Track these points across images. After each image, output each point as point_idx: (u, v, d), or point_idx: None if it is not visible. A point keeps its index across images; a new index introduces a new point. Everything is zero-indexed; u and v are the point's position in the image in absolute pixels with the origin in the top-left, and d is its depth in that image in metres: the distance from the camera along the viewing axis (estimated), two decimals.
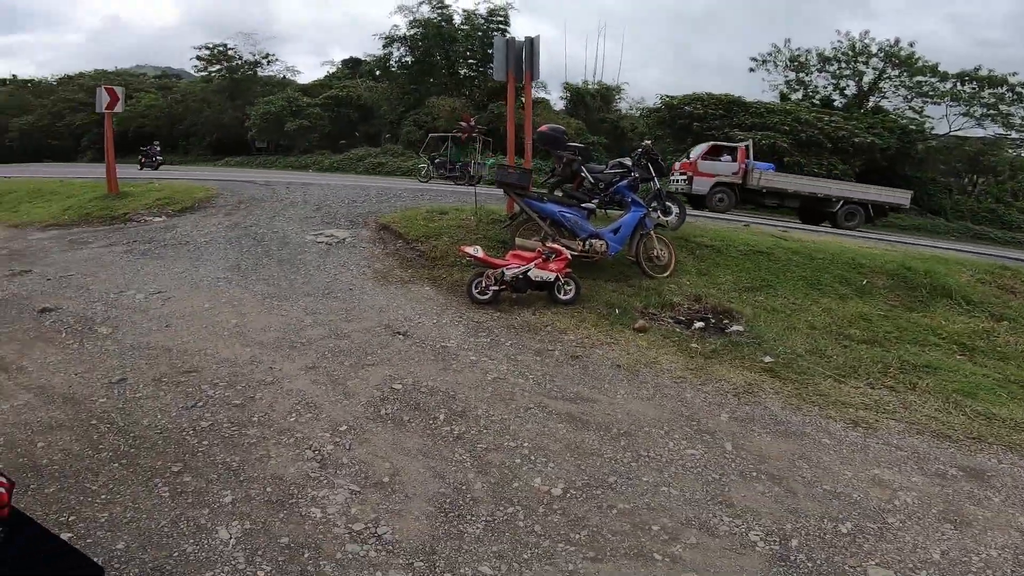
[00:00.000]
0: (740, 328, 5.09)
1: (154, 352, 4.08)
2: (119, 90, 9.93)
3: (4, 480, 1.25)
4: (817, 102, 27.83)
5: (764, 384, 4.15)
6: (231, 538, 2.36)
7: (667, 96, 24.76)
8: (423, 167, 18.46)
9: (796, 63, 28.99)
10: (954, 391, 4.25)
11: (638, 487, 2.86)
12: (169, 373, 3.76)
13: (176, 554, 2.27)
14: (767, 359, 4.56)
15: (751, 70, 29.88)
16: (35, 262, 6.52)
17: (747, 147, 15.32)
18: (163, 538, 2.35)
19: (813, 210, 15.48)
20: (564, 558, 2.36)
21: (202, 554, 2.27)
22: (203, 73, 37.94)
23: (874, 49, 27.12)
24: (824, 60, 28.40)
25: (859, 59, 27.59)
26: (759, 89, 38.55)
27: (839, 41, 27.96)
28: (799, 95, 29.03)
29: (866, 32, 29.69)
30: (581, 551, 2.41)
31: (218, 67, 36.85)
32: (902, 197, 16.00)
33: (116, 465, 2.82)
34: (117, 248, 6.91)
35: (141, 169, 19.62)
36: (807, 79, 29.38)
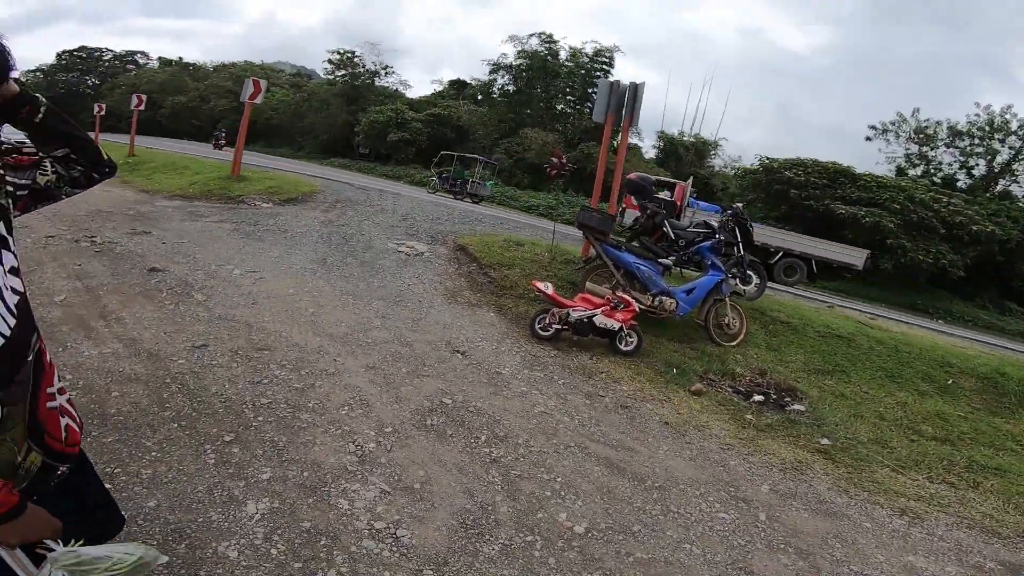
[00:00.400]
0: (801, 408, 4.87)
1: (237, 325, 4.45)
2: (263, 83, 10.99)
3: (78, 420, 1.34)
4: (938, 180, 25.15)
5: (815, 464, 3.98)
6: (257, 513, 2.46)
7: (766, 158, 23.52)
8: (433, 180, 19.41)
9: (921, 135, 26.35)
10: (1017, 492, 3.99)
11: (661, 540, 2.82)
12: (245, 347, 4.08)
13: (201, 519, 2.37)
14: (824, 441, 4.35)
15: (868, 139, 27.61)
16: (155, 226, 7.31)
17: (686, 186, 14.93)
18: (194, 503, 2.46)
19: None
20: None
21: (225, 524, 2.36)
22: (330, 76, 40.78)
23: (1014, 126, 24.00)
24: (955, 134, 25.56)
25: (995, 136, 24.63)
26: (873, 161, 35.48)
27: (976, 115, 25.00)
28: (919, 171, 26.42)
29: (1008, 107, 24.78)
30: None
31: (343, 72, 39.42)
32: (855, 257, 14.60)
33: (175, 425, 3.02)
34: (226, 225, 7.61)
35: (215, 149, 23.25)
36: (931, 154, 26.58)
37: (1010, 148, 24.56)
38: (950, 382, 5.86)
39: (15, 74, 1.12)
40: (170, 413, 3.13)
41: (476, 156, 22.06)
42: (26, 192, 1.21)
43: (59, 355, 3.59)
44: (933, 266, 18.62)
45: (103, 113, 22.01)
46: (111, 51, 58.37)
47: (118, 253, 5.94)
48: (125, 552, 1.20)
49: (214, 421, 3.12)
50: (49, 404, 1.23)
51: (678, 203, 14.34)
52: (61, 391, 1.28)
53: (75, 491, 1.32)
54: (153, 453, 2.76)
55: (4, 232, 1.11)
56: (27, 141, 1.24)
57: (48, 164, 1.24)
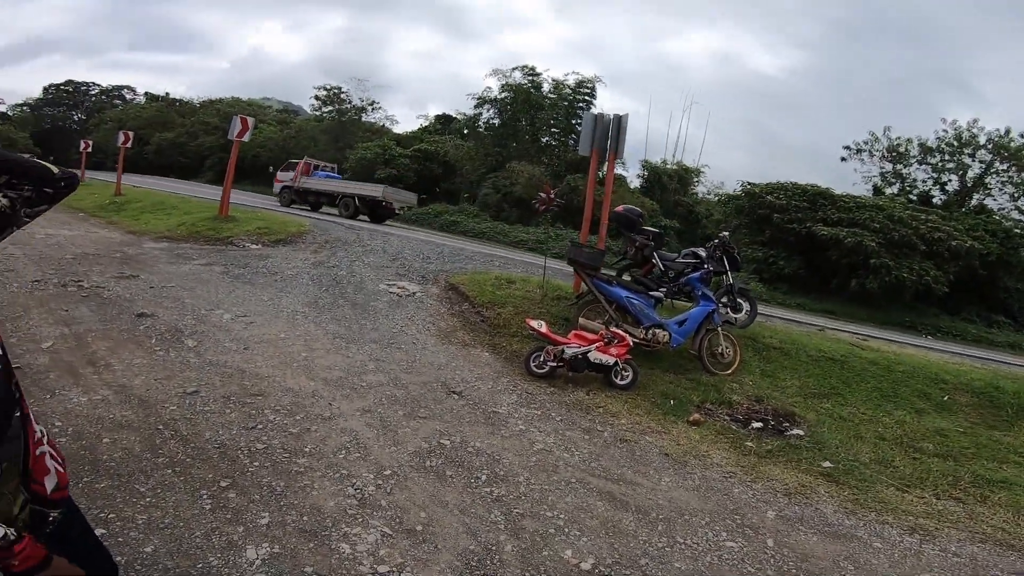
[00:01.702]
0: (800, 432, 4.87)
1: (229, 371, 4.41)
2: (251, 120, 11.09)
3: (60, 460, 1.32)
4: (914, 198, 25.43)
5: (819, 487, 3.97)
6: (257, 559, 2.43)
7: (748, 183, 23.73)
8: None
9: (894, 153, 26.63)
10: None
11: (669, 572, 2.79)
12: (238, 393, 4.04)
13: (200, 565, 2.34)
14: (826, 464, 4.34)
15: (843, 159, 27.87)
16: (143, 269, 7.26)
17: (306, 162, 22.34)
18: (193, 548, 2.44)
19: (334, 204, 19.76)
20: None
21: (225, 569, 2.34)
22: (317, 112, 41.15)
23: (982, 140, 24.36)
24: (925, 151, 25.85)
25: (964, 151, 24.96)
26: (850, 181, 36.21)
27: (944, 130, 25.43)
28: (895, 189, 26.66)
29: (975, 121, 25.29)
30: None
31: (330, 108, 39.75)
32: (375, 190, 19.01)
33: (169, 471, 2.99)
34: (215, 268, 7.58)
35: None
36: (905, 171, 26.85)
37: (980, 162, 24.93)
38: (946, 398, 5.90)
39: None
40: (163, 459, 3.10)
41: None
42: None
43: (47, 402, 3.56)
44: (917, 283, 18.78)
45: (89, 149, 21.93)
46: (98, 85, 58.73)
47: (105, 298, 5.88)
48: None
49: (209, 467, 3.09)
50: (39, 450, 1.23)
51: (298, 174, 21.16)
52: (42, 436, 1.28)
53: (67, 539, 1.31)
54: (148, 498, 2.73)
55: None
56: None
57: None
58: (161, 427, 3.43)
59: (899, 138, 26.88)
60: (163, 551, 2.39)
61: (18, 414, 1.16)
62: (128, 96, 58.42)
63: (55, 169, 1.28)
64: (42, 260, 7.30)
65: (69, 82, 57.53)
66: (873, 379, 6.17)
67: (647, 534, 3.08)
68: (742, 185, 23.98)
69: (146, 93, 57.00)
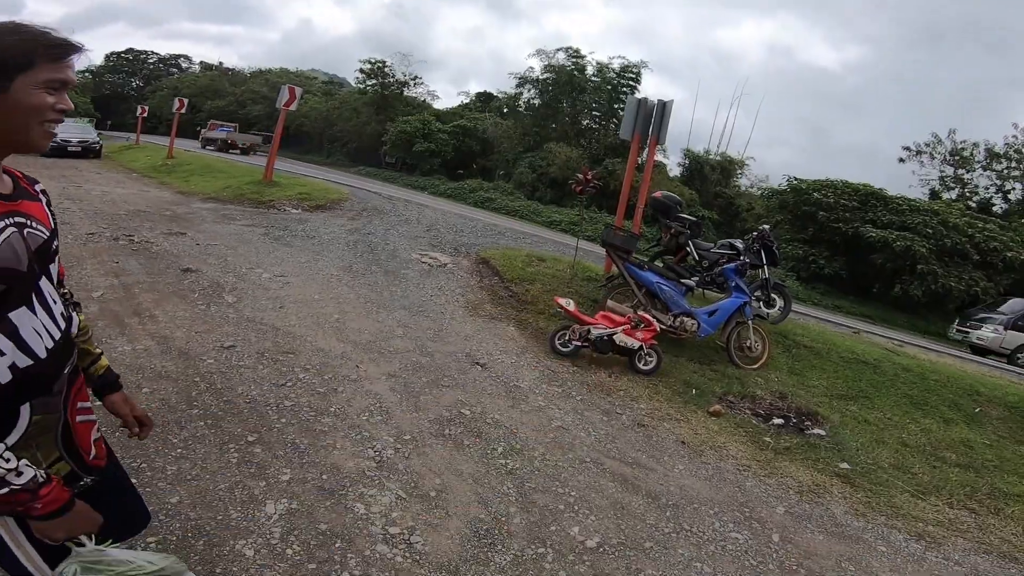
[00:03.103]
0: (822, 432, 4.80)
1: (264, 328, 4.59)
2: (298, 90, 11.29)
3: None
4: (973, 204, 24.13)
5: (833, 488, 3.93)
6: (275, 513, 2.50)
7: (795, 178, 23.12)
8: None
9: (957, 157, 25.48)
10: None
11: (672, 557, 2.82)
12: (271, 350, 4.20)
13: (220, 517, 2.42)
14: (843, 465, 4.29)
15: (901, 160, 26.95)
16: (190, 227, 7.55)
17: (212, 123, 32.53)
18: (215, 501, 2.51)
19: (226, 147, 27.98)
20: None
21: (244, 523, 2.41)
22: (361, 85, 41.45)
23: None
24: (992, 156, 24.66)
25: None
26: (906, 183, 34.53)
27: (1014, 136, 24.06)
28: (953, 194, 25.40)
29: None
30: None
31: (373, 82, 40.01)
32: (228, 135, 29.73)
33: (201, 424, 3.10)
34: (257, 229, 7.83)
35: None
36: (967, 177, 25.60)
37: None
38: (977, 410, 5.72)
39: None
40: (197, 411, 3.22)
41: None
42: None
43: None
44: (965, 293, 18.03)
45: (145, 115, 22.90)
46: (156, 54, 61.02)
47: (154, 252, 6.16)
48: (148, 560, 1.24)
49: (239, 421, 3.20)
50: (80, 418, 1.26)
51: (206, 132, 31.07)
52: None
53: (109, 489, 1.34)
54: (179, 449, 2.84)
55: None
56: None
57: None
58: (198, 379, 3.57)
59: (964, 141, 25.54)
60: (187, 502, 2.46)
61: (67, 371, 1.19)
62: (184, 65, 60.68)
63: None
64: (96, 215, 7.68)
65: (129, 50, 59.80)
66: (904, 385, 6.01)
67: (655, 518, 3.11)
68: (788, 180, 23.18)
69: (200, 62, 59.42)
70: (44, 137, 1.03)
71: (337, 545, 2.40)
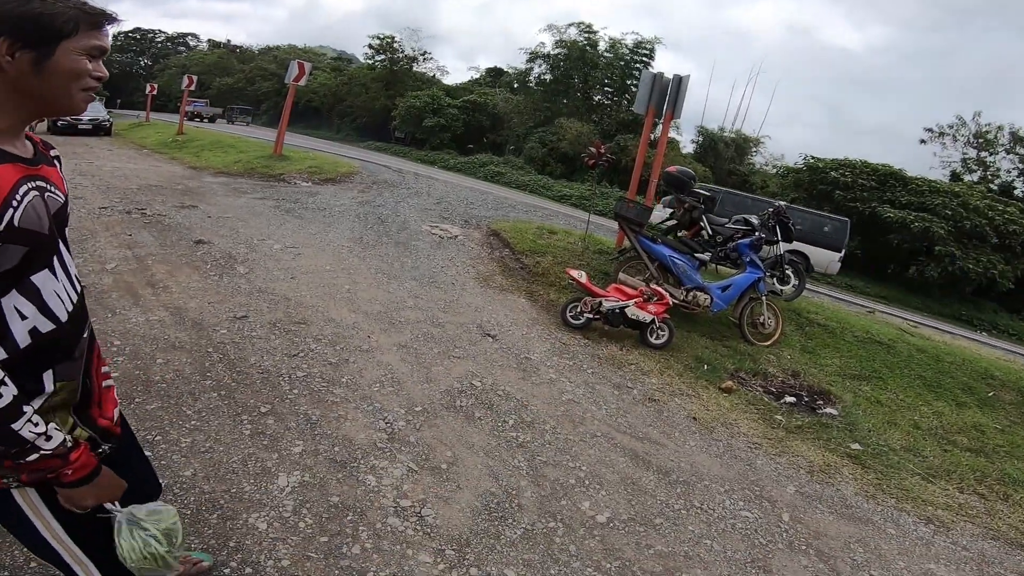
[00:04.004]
0: (834, 412, 4.76)
1: (276, 298, 4.59)
2: (307, 65, 11.19)
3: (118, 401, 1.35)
4: (995, 187, 23.79)
5: (843, 468, 3.90)
6: (288, 486, 2.50)
7: (812, 157, 22.68)
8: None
9: (981, 139, 25.03)
10: None
11: (682, 534, 2.81)
12: (283, 320, 4.20)
13: (234, 490, 2.42)
14: (855, 446, 4.25)
15: (923, 141, 26.35)
16: (201, 200, 7.55)
17: (188, 99, 28.65)
18: (229, 473, 2.51)
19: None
20: None
21: (256, 495, 2.41)
22: (370, 61, 41.10)
23: None
24: (1017, 139, 24.23)
25: None
26: (927, 165, 33.68)
27: None
28: (975, 176, 24.98)
29: None
30: None
31: (382, 57, 39.63)
32: (197, 107, 30.87)
33: (215, 395, 3.10)
34: (268, 202, 7.81)
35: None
36: (990, 160, 25.18)
37: None
38: (991, 394, 5.65)
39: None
40: (211, 382, 3.23)
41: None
42: None
43: (108, 321, 3.75)
44: (982, 276, 17.76)
45: (155, 93, 22.94)
46: (164, 32, 61.05)
47: (166, 225, 6.17)
48: (162, 504, 1.28)
49: (252, 392, 3.20)
50: (105, 383, 1.27)
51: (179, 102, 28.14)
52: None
53: (125, 458, 1.34)
54: (193, 422, 2.84)
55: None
56: None
57: None
58: (211, 350, 3.57)
59: (989, 124, 25.00)
60: (201, 475, 2.47)
61: (86, 335, 1.17)
62: (192, 43, 60.67)
63: None
64: (109, 189, 7.68)
65: (137, 30, 59.68)
66: (918, 366, 5.93)
67: (665, 495, 3.10)
68: (805, 159, 22.83)
69: (209, 40, 59.27)
70: (85, 100, 1.05)
71: (349, 518, 2.40)
